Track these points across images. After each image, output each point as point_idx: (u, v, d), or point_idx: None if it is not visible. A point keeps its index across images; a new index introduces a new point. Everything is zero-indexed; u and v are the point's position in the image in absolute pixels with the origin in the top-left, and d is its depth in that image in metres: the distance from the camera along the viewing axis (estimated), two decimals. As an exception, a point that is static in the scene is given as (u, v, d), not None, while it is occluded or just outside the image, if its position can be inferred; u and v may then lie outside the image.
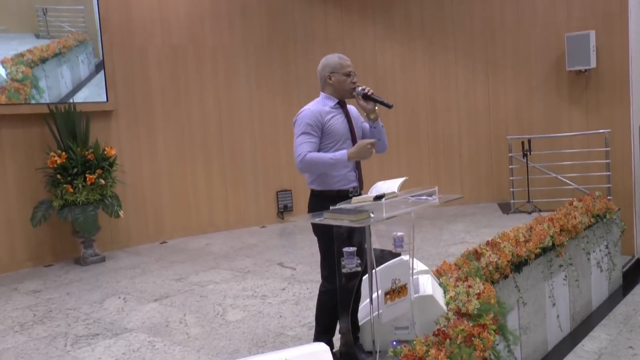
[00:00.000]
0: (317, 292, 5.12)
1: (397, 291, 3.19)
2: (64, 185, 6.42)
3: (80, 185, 6.44)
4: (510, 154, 8.22)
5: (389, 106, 3.51)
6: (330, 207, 3.05)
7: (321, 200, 3.35)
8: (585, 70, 8.12)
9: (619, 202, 7.36)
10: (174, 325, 4.57)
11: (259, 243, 7.48)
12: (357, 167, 3.53)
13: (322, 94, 3.54)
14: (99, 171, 6.55)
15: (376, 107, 3.50)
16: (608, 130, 7.81)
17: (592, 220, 6.64)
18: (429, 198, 3.24)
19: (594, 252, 6.77)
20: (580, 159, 8.14)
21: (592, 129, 8.13)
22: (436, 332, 3.18)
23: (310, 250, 6.86)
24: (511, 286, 5.08)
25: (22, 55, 6.71)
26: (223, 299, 5.17)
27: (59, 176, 6.47)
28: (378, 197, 2.99)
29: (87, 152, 6.57)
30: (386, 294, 3.13)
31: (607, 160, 7.76)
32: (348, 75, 3.48)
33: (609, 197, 7.42)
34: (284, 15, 8.71)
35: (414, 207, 3.10)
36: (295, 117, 3.47)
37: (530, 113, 8.69)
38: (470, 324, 3.34)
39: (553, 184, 8.19)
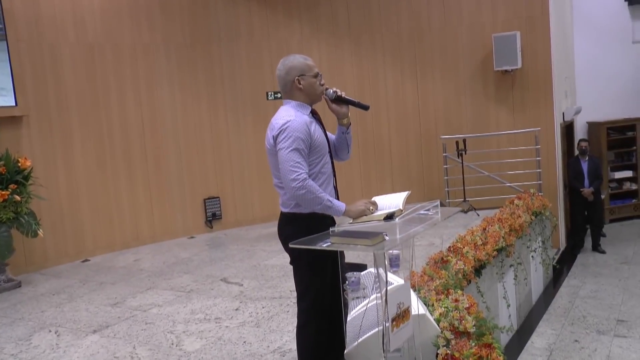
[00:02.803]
0: (274, 310, 4.78)
1: (401, 316, 2.93)
2: (-29, 204, 5.62)
3: (-10, 203, 5.66)
4: (444, 154, 8.22)
5: (365, 108, 3.24)
6: (331, 229, 2.71)
7: (306, 225, 2.93)
8: (512, 70, 8.28)
9: (547, 199, 7.57)
10: (125, 361, 4.04)
11: (193, 256, 6.97)
12: (335, 184, 3.21)
13: (291, 102, 3.08)
14: (12, 186, 5.78)
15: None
16: (538, 128, 8.00)
17: (532, 217, 6.77)
18: (431, 213, 3.01)
19: (535, 249, 6.92)
20: (510, 157, 8.29)
21: (519, 127, 8.31)
22: (445, 357, 2.96)
23: (250, 263, 6.48)
24: (474, 291, 5.00)
25: None
26: (173, 325, 4.68)
27: (-37, 193, 5.65)
28: (389, 217, 2.70)
29: (-4, 165, 5.80)
30: (392, 320, 2.86)
31: (538, 158, 7.95)
32: (316, 76, 3.12)
33: (540, 194, 7.61)
34: (206, 12, 8.21)
35: (421, 225, 2.85)
36: (277, 128, 2.95)
37: (459, 112, 8.75)
38: (473, 344, 3.15)
39: (486, 182, 8.30)
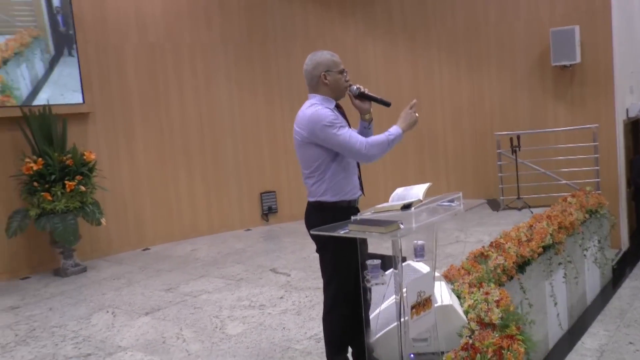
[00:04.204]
0: (317, 300, 4.93)
1: (422, 304, 3.01)
2: (42, 193, 6.07)
3: (59, 193, 6.09)
4: (498, 150, 8.13)
5: (387, 104, 3.32)
6: (352, 218, 2.84)
7: (332, 214, 3.07)
8: (570, 65, 8.07)
9: (606, 197, 7.35)
10: (171, 341, 4.30)
11: (247, 247, 7.23)
12: (359, 174, 3.32)
13: (316, 96, 3.20)
14: (78, 177, 6.21)
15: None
16: (596, 125, 7.78)
17: (586, 215, 6.60)
18: (453, 204, 3.07)
19: (588, 248, 6.74)
20: (567, 154, 8.10)
21: (578, 124, 8.10)
22: (464, 346, 3.02)
23: (301, 255, 6.66)
24: (516, 288, 4.97)
25: None
26: (219, 310, 4.92)
27: (35, 183, 6.11)
28: (406, 207, 2.80)
29: (65, 158, 6.22)
30: (412, 307, 2.94)
31: (596, 155, 7.73)
32: (342, 72, 3.23)
33: (598, 192, 7.40)
34: (262, 12, 8.45)
35: (441, 215, 2.92)
36: (307, 118, 3.10)
37: (515, 109, 8.61)
38: (497, 335, 3.19)
39: (541, 179, 8.14)
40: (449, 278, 4.18)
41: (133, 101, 7.49)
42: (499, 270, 4.58)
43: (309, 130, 3.07)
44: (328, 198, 3.13)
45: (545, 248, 5.47)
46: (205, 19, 8.04)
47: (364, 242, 3.23)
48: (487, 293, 3.69)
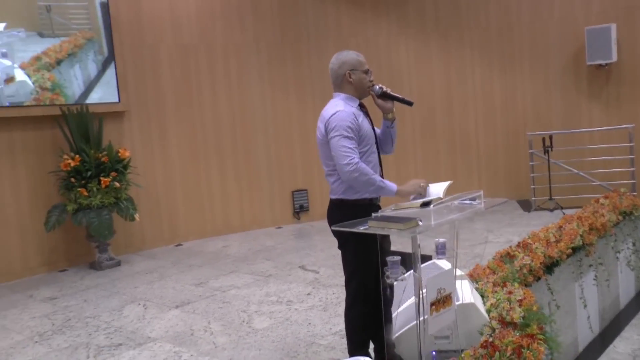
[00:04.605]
0: (343, 297, 4.96)
1: (442, 301, 3.04)
2: (78, 189, 6.28)
3: (94, 189, 6.29)
4: (530, 150, 8.05)
5: (409, 103, 3.34)
6: (373, 214, 2.88)
7: (353, 211, 3.09)
8: (606, 64, 7.94)
9: (643, 199, 7.20)
10: (199, 334, 4.42)
11: (277, 245, 7.33)
12: (381, 171, 3.36)
13: (340, 95, 3.26)
14: (113, 174, 6.40)
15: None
16: (632, 125, 7.63)
17: (620, 217, 6.48)
18: (474, 203, 3.09)
19: (622, 250, 6.62)
20: (602, 154, 7.97)
21: (613, 124, 7.96)
22: (484, 344, 3.03)
23: (330, 252, 6.71)
24: (543, 289, 4.93)
25: (39, 58, 6.56)
26: (247, 305, 5.02)
27: (72, 179, 6.32)
28: (425, 204, 2.83)
29: (100, 155, 6.42)
30: (432, 304, 2.97)
31: (632, 156, 7.59)
32: (366, 72, 3.27)
33: (633, 193, 7.25)
34: (295, 12, 8.54)
35: (460, 213, 2.94)
36: (327, 118, 3.17)
37: (548, 108, 8.52)
38: (518, 334, 3.19)
39: (574, 180, 8.03)
40: (473, 277, 4.18)
41: (167, 100, 7.67)
42: (525, 271, 4.56)
43: (326, 129, 3.13)
44: (349, 196, 3.18)
45: (575, 249, 5.40)
46: (238, 19, 8.17)
47: (386, 239, 3.27)
48: (510, 292, 3.69)
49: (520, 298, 3.60)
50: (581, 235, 5.52)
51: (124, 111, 7.26)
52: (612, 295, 6.50)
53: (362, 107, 3.27)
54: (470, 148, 8.99)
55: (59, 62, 6.69)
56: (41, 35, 6.65)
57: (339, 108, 3.15)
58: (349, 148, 3.05)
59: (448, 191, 3.10)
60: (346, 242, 3.20)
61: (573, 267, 5.47)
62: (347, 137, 3.06)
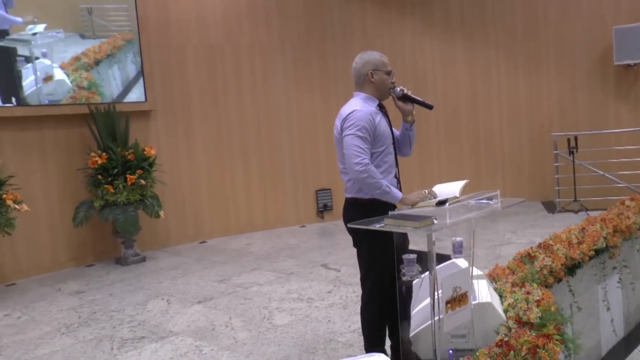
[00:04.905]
0: (361, 294, 4.99)
1: (457, 300, 3.06)
2: (105, 186, 6.42)
3: (120, 186, 6.43)
4: (555, 151, 7.97)
5: (429, 107, 3.34)
6: (389, 212, 2.92)
7: (368, 210, 3.13)
8: (634, 64, 7.82)
9: (671, 201, 7.08)
10: (220, 329, 4.50)
11: (300, 243, 7.40)
12: (397, 171, 3.38)
13: (361, 94, 3.28)
14: (139, 171, 6.53)
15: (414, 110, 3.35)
16: (660, 126, 7.53)
17: (646, 220, 6.39)
18: (491, 202, 3.10)
19: (647, 253, 6.53)
20: (629, 156, 7.85)
21: (642, 124, 7.85)
22: (499, 343, 3.04)
23: (352, 251, 6.63)
24: (565, 290, 4.90)
25: (78, 59, 6.76)
26: (268, 301, 5.09)
27: (99, 176, 6.47)
28: (441, 202, 2.86)
29: (127, 153, 6.56)
30: (447, 302, 3.00)
31: (660, 158, 7.49)
32: (389, 74, 3.29)
33: (660, 196, 7.13)
34: (321, 11, 8.59)
35: (477, 213, 2.96)
36: (344, 117, 3.20)
37: (574, 109, 8.43)
38: (534, 334, 3.19)
39: (600, 182, 7.93)
40: (492, 277, 4.18)
41: (193, 99, 7.79)
42: (545, 272, 4.54)
43: (342, 127, 3.17)
44: (363, 195, 3.22)
45: (598, 251, 5.35)
46: (264, 19, 8.25)
47: (405, 238, 3.30)
48: (528, 292, 3.68)
49: (538, 298, 3.60)
50: (604, 237, 5.46)
51: (151, 110, 7.40)
52: (638, 299, 6.41)
53: (381, 107, 3.30)
54: (494, 149, 8.95)
55: (97, 63, 6.89)
56: (82, 36, 6.87)
57: (357, 107, 3.18)
58: (361, 148, 3.09)
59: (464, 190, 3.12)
60: (361, 240, 3.25)
61: (596, 269, 5.41)
62: (360, 137, 3.09)
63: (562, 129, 8.23)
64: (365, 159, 3.08)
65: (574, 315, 4.82)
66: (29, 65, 6.48)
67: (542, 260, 4.61)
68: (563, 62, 8.45)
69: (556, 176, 8.00)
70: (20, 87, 6.42)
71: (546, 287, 4.34)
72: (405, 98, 3.29)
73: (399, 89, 3.30)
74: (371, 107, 3.23)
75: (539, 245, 5.03)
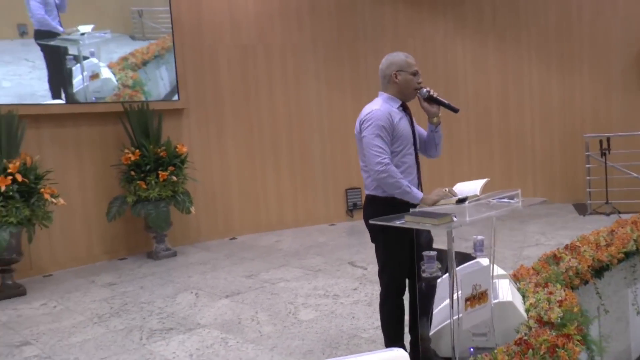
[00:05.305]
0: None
1: (477, 297, 3.09)
2: (138, 182, 6.60)
3: (153, 182, 6.60)
4: (587, 153, 7.87)
5: (455, 110, 3.34)
6: (411, 210, 2.97)
7: (385, 207, 3.18)
8: (671, 64, 7.69)
9: None
10: (246, 322, 4.60)
11: (329, 241, 7.47)
12: (418, 171, 3.40)
13: (383, 95, 3.33)
14: (171, 168, 6.69)
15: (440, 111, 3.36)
16: (696, 128, 7.37)
17: (679, 224, 6.27)
18: (512, 201, 3.12)
19: (680, 257, 6.40)
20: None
21: (678, 127, 7.70)
22: (518, 342, 3.06)
23: (379, 250, 6.79)
24: (592, 292, 4.85)
25: (126, 59, 7.00)
26: (295, 297, 5.18)
27: (132, 173, 6.65)
28: (461, 200, 2.89)
29: (159, 150, 6.72)
30: (466, 300, 3.03)
31: (697, 161, 7.33)
32: (414, 74, 3.31)
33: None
34: (353, 12, 8.63)
35: (497, 211, 2.99)
36: (363, 116, 3.26)
37: (608, 110, 8.31)
38: (554, 334, 3.20)
39: (633, 184, 7.80)
40: (517, 277, 4.19)
41: (225, 99, 7.92)
42: (570, 273, 4.51)
43: (361, 127, 3.23)
44: (380, 193, 3.26)
45: (628, 254, 5.28)
46: (296, 20, 8.34)
47: (426, 235, 3.34)
48: (550, 293, 3.69)
49: (560, 299, 3.60)
50: (635, 240, 5.39)
51: (183, 109, 7.57)
52: (670, 303, 6.28)
53: (404, 108, 3.34)
54: (525, 149, 8.87)
55: (144, 63, 7.13)
56: (132, 37, 7.11)
57: (376, 107, 3.24)
58: (381, 148, 3.14)
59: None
60: (376, 236, 3.31)
61: (625, 272, 5.35)
62: (379, 136, 3.15)
63: (595, 130, 8.12)
64: (385, 158, 3.13)
65: (601, 317, 4.78)
66: (78, 64, 6.74)
67: (568, 262, 4.59)
68: (597, 63, 8.34)
69: (588, 178, 7.89)
70: (70, 84, 6.70)
71: (572, 288, 4.32)
72: (431, 100, 3.31)
73: (425, 90, 3.32)
74: (392, 107, 3.27)
75: (566, 247, 5.00)
